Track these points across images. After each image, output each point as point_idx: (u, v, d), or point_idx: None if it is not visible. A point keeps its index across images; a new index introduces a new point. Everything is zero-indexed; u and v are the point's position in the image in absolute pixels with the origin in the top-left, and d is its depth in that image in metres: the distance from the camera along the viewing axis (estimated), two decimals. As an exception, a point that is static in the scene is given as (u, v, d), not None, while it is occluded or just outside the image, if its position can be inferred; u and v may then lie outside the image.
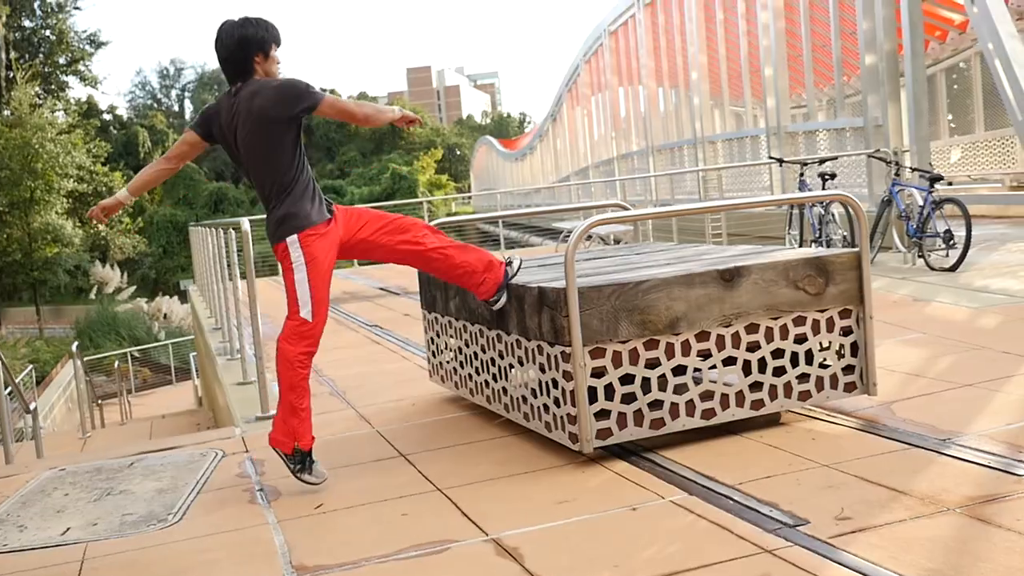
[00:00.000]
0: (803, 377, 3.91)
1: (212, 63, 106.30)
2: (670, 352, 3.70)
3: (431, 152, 72.55)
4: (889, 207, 8.96)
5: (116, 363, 19.93)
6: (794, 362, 3.90)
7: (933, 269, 8.26)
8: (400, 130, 67.97)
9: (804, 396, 3.91)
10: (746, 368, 3.83)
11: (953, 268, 8.00)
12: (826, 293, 3.94)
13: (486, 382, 4.40)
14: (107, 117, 66.12)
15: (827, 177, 8.68)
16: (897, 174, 8.90)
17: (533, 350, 3.84)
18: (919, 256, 8.63)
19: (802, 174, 9.24)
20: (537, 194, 36.82)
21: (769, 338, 3.85)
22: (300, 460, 3.72)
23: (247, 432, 4.90)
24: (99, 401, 14.74)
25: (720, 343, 3.77)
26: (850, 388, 3.99)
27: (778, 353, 3.87)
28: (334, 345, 7.38)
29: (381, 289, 11.95)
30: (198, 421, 10.34)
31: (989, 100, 15.45)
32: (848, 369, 4.00)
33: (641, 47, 21.59)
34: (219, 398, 7.34)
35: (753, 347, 3.83)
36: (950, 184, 12.79)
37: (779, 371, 3.88)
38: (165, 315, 31.18)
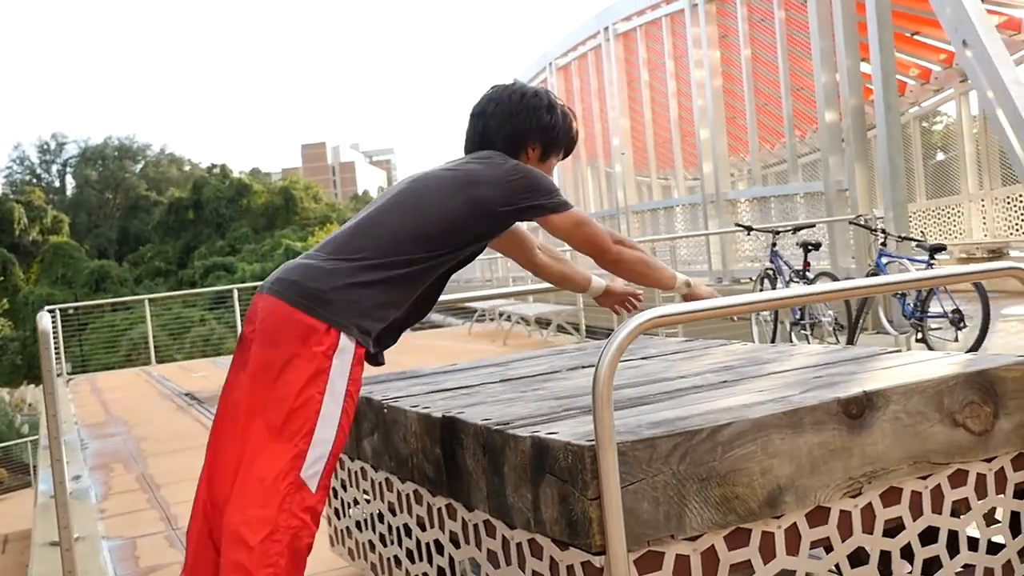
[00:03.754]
0: (967, 572, 2.34)
1: (96, 137, 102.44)
2: (768, 549, 2.08)
3: (326, 227, 70.45)
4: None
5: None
6: (952, 547, 2.33)
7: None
8: (293, 205, 66.22)
9: (967, 603, 2.34)
10: (884, 566, 2.24)
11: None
12: (995, 430, 2.39)
13: (426, 576, 2.70)
14: (-22, 193, 62.19)
15: (810, 247, 7.32)
16: (884, 244, 7.60)
17: (521, 547, 2.17)
18: (918, 340, 7.29)
19: (774, 244, 7.87)
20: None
21: (917, 511, 2.27)
22: None
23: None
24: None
25: (846, 526, 2.18)
26: (1032, 584, 2.43)
27: (929, 535, 2.30)
28: (196, 470, 5.54)
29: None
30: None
31: (931, 167, 14.65)
32: (1026, 552, 2.44)
33: (554, 113, 20.34)
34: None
35: (894, 528, 2.25)
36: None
37: (931, 566, 2.30)
38: (30, 404, 28.20)
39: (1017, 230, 13.25)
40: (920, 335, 7.18)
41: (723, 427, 2.03)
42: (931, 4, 7.88)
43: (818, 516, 2.15)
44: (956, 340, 6.89)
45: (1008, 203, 13.40)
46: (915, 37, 13.71)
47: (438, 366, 3.68)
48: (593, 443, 1.88)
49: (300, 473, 2.24)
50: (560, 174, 20.87)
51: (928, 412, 2.30)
